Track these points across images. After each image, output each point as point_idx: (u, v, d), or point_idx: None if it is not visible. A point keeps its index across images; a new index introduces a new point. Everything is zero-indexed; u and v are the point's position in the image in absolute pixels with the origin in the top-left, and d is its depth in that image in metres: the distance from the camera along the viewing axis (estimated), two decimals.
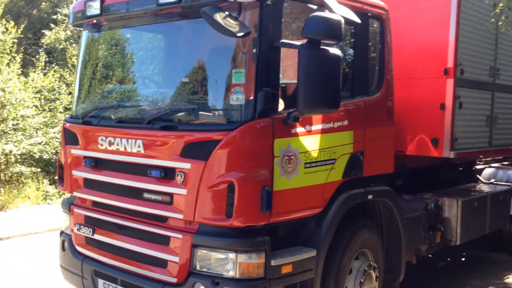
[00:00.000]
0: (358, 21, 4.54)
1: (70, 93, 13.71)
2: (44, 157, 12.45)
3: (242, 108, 4.04)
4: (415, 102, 6.10)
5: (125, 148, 4.57)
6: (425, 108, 6.19)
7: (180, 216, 4.24)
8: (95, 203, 5.05)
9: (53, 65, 14.34)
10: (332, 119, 4.58)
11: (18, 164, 11.79)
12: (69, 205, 5.29)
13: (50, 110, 13.07)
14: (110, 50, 5.38)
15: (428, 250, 6.25)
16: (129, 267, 4.65)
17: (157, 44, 5.29)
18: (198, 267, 4.17)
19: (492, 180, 7.98)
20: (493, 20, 6.53)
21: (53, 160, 12.68)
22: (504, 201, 7.54)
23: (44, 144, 12.39)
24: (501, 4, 6.33)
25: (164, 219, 4.40)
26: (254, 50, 4.08)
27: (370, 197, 5.03)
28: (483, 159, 8.36)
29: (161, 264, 4.38)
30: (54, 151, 12.54)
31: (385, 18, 5.21)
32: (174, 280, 4.27)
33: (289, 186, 4.22)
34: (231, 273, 4.04)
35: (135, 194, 4.54)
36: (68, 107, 13.70)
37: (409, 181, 6.41)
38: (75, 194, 5.20)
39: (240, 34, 3.90)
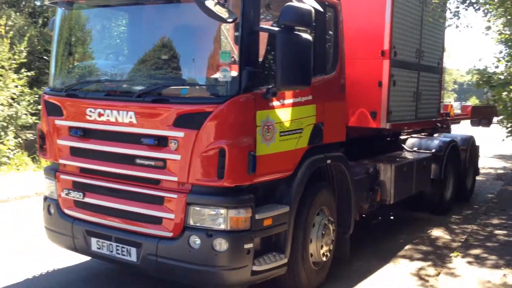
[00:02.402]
0: (322, 10, 5.27)
1: None
2: None
3: (229, 84, 4.63)
4: (356, 80, 6.93)
5: (116, 119, 4.96)
6: (365, 85, 7.12)
7: (174, 179, 4.77)
8: (82, 169, 5.40)
9: None
10: (300, 94, 5.29)
11: None
12: (54, 172, 5.61)
13: None
14: (90, 26, 5.67)
15: (370, 208, 7.23)
16: (123, 225, 5.08)
17: (141, 22, 5.58)
18: (192, 222, 4.74)
19: (415, 149, 9.15)
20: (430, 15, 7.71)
21: None
22: (426, 167, 8.73)
23: None
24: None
25: (156, 181, 4.90)
26: (238, 34, 4.70)
27: (329, 161, 5.84)
28: (406, 130, 9.49)
29: (156, 221, 4.89)
30: None
31: (338, 6, 5.99)
32: (169, 234, 4.82)
33: (268, 152, 4.90)
34: (222, 226, 4.67)
35: (127, 160, 4.98)
36: None
37: (349, 150, 7.31)
38: (61, 161, 5.52)
39: (229, 20, 4.50)
